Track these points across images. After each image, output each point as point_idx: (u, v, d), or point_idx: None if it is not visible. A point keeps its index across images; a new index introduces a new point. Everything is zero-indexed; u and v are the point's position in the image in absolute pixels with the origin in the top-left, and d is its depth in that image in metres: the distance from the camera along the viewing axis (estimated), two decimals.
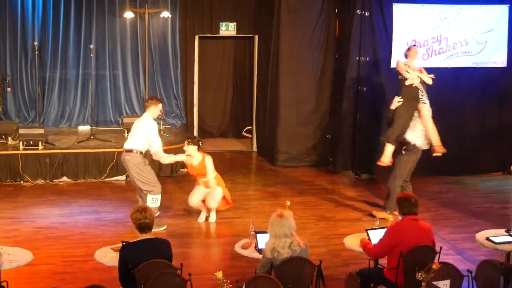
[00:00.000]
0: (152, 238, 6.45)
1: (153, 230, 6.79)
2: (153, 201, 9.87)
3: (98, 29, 14.64)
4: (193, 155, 10.14)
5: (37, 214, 10.60)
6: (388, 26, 13.01)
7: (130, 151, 9.89)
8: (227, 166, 13.36)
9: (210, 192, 10.20)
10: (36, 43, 14.16)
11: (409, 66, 10.59)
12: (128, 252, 6.32)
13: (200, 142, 10.22)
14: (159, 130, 11.69)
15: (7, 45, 14.30)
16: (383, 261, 7.09)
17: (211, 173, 10.20)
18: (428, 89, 10.63)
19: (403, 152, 10.47)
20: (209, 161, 10.15)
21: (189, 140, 10.18)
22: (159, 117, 11.14)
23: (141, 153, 9.91)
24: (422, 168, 10.77)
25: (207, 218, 10.40)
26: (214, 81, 16.34)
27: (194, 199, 10.29)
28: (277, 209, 6.59)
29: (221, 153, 14.68)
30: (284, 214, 6.43)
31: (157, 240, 6.48)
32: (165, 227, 10.08)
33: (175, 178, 12.62)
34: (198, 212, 10.44)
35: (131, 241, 6.51)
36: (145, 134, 9.88)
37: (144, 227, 6.38)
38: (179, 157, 10.41)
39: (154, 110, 10.00)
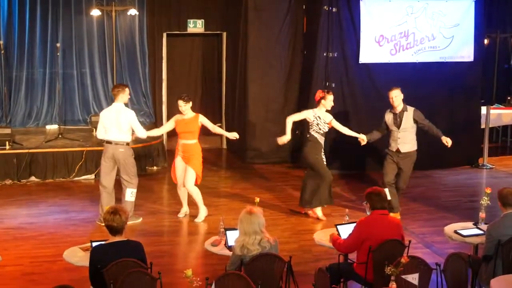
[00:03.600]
0: (124, 241, 6.28)
1: (129, 222, 6.72)
2: (132, 195, 9.95)
3: (65, 28, 14.51)
4: (186, 112, 10.03)
5: (5, 215, 10.50)
6: (356, 22, 13.06)
7: (119, 143, 9.87)
8: None
9: (185, 175, 10.13)
10: (1, 42, 13.98)
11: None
12: (99, 255, 6.17)
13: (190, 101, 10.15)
14: None
15: None
16: (352, 256, 7.12)
17: (212, 126, 10.26)
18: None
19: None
20: (204, 118, 10.13)
21: (186, 96, 10.05)
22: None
23: (128, 144, 9.96)
24: None
25: (186, 214, 10.44)
26: (182, 78, 16.28)
27: (180, 178, 10.21)
28: (247, 206, 6.58)
29: None
30: (254, 211, 6.42)
31: (129, 243, 6.32)
32: (140, 219, 10.20)
33: (144, 176, 12.54)
34: (170, 210, 10.40)
35: (102, 243, 6.40)
36: (128, 125, 9.86)
37: (112, 229, 6.21)
38: (167, 127, 10.48)
39: (123, 96, 9.91)
